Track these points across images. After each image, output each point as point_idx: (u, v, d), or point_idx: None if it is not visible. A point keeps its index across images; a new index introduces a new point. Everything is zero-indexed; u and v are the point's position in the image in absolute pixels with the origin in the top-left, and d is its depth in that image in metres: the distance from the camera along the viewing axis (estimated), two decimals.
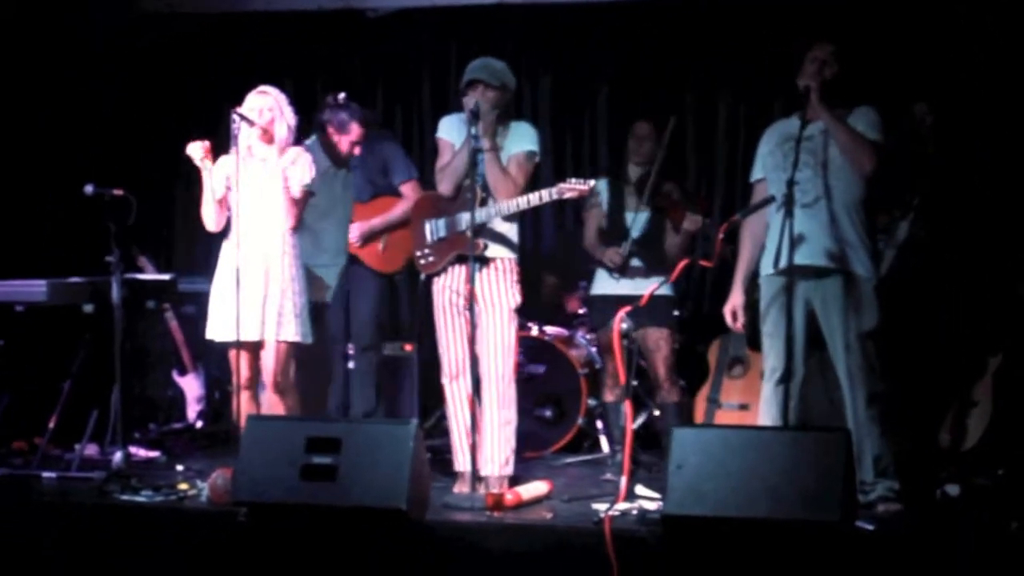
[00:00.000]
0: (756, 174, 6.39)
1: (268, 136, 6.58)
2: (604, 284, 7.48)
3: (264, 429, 5.84)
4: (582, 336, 8.32)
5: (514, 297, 6.57)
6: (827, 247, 6.03)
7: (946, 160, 7.22)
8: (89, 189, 6.84)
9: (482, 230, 6.45)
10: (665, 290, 6.99)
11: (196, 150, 6.52)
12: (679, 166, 8.46)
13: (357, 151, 7.42)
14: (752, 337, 6.98)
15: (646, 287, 6.55)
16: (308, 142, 7.26)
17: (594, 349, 8.06)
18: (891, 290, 6.40)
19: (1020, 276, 7.06)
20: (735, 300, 6.32)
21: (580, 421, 7.99)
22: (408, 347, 8.17)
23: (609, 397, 7.48)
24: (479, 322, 6.47)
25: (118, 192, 6.89)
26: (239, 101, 6.59)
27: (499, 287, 6.54)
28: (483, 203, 6.47)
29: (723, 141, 9.04)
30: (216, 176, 6.58)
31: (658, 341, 7.32)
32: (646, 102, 8.72)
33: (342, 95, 7.41)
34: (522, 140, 6.59)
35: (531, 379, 7.97)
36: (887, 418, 6.05)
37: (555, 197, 6.44)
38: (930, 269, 7.08)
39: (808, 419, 6.37)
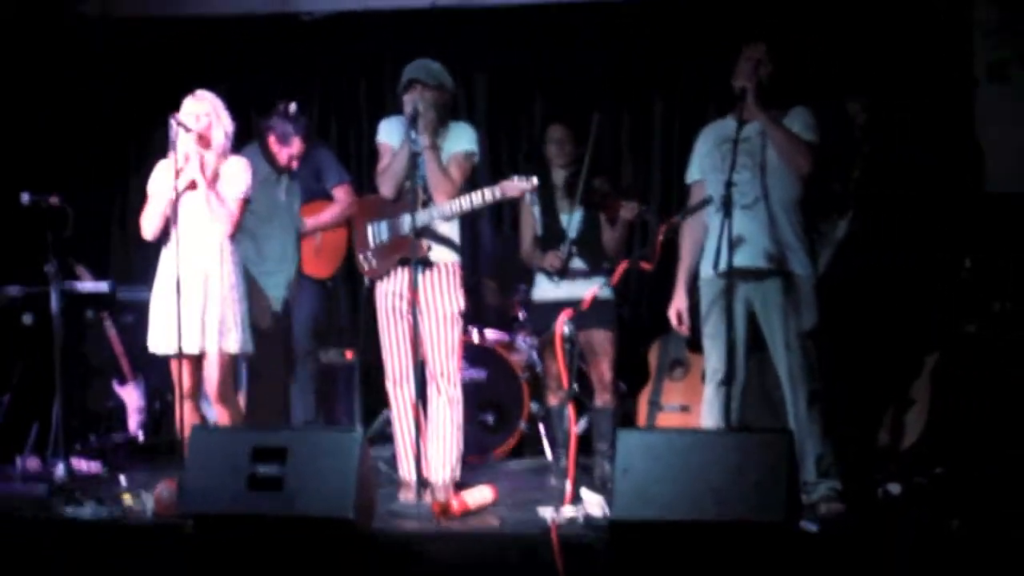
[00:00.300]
0: (693, 175, 6.41)
1: (205, 142, 6.52)
2: (544, 288, 7.45)
3: (209, 439, 5.81)
4: (523, 340, 8.31)
5: (458, 301, 6.57)
6: (766, 248, 6.07)
7: (881, 157, 7.27)
8: (26, 198, 6.76)
9: (424, 232, 6.45)
10: (606, 292, 7.01)
11: (171, 178, 6.36)
12: (609, 161, 8.47)
13: (295, 165, 7.39)
14: (692, 339, 7.00)
15: (586, 289, 6.56)
16: (247, 149, 7.22)
17: (535, 353, 8.04)
18: (830, 289, 6.44)
19: (961, 264, 7.12)
20: (679, 303, 6.34)
21: (522, 426, 8.00)
22: (348, 354, 8.14)
23: (552, 401, 7.45)
24: (423, 326, 6.47)
25: (54, 201, 6.82)
26: (174, 106, 6.51)
27: (443, 291, 6.53)
28: (425, 204, 6.47)
29: (659, 141, 9.06)
30: (158, 183, 6.52)
31: (604, 343, 7.28)
32: (580, 101, 8.72)
33: (293, 106, 7.38)
34: (461, 139, 6.61)
35: (472, 384, 7.94)
36: (828, 417, 6.10)
37: (498, 196, 6.46)
38: (868, 268, 7.12)
39: (747, 420, 6.40)
